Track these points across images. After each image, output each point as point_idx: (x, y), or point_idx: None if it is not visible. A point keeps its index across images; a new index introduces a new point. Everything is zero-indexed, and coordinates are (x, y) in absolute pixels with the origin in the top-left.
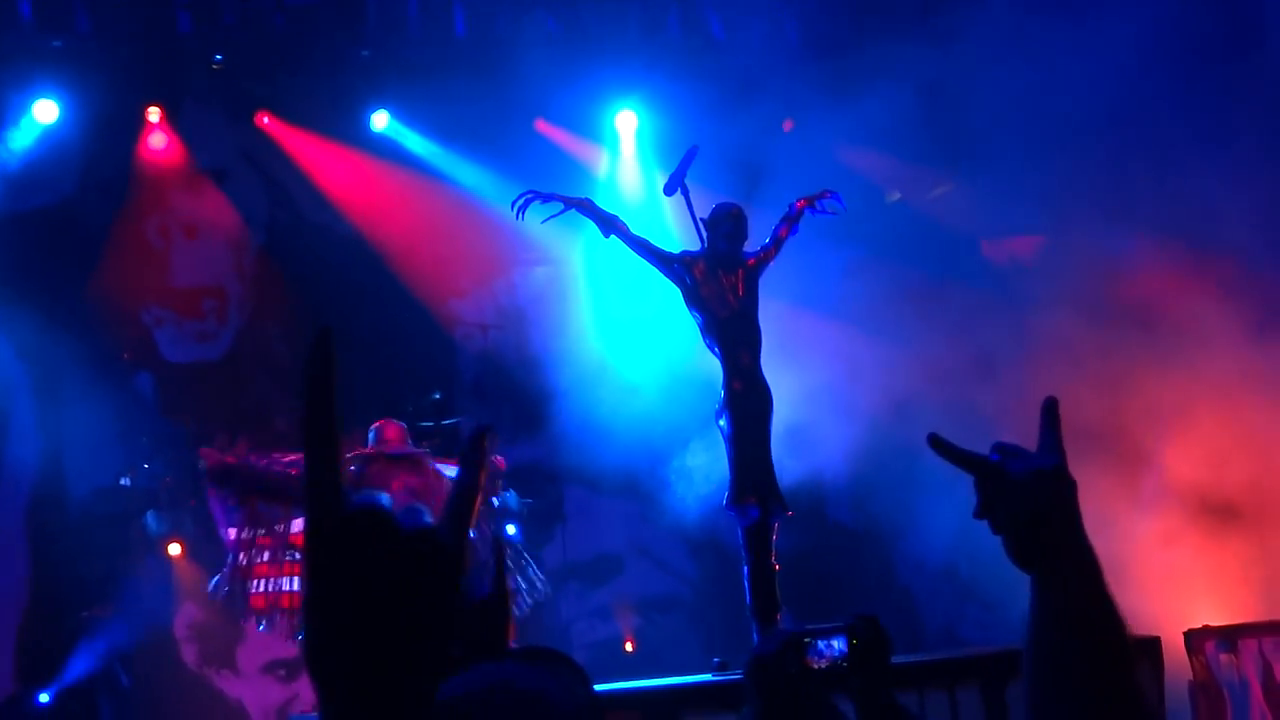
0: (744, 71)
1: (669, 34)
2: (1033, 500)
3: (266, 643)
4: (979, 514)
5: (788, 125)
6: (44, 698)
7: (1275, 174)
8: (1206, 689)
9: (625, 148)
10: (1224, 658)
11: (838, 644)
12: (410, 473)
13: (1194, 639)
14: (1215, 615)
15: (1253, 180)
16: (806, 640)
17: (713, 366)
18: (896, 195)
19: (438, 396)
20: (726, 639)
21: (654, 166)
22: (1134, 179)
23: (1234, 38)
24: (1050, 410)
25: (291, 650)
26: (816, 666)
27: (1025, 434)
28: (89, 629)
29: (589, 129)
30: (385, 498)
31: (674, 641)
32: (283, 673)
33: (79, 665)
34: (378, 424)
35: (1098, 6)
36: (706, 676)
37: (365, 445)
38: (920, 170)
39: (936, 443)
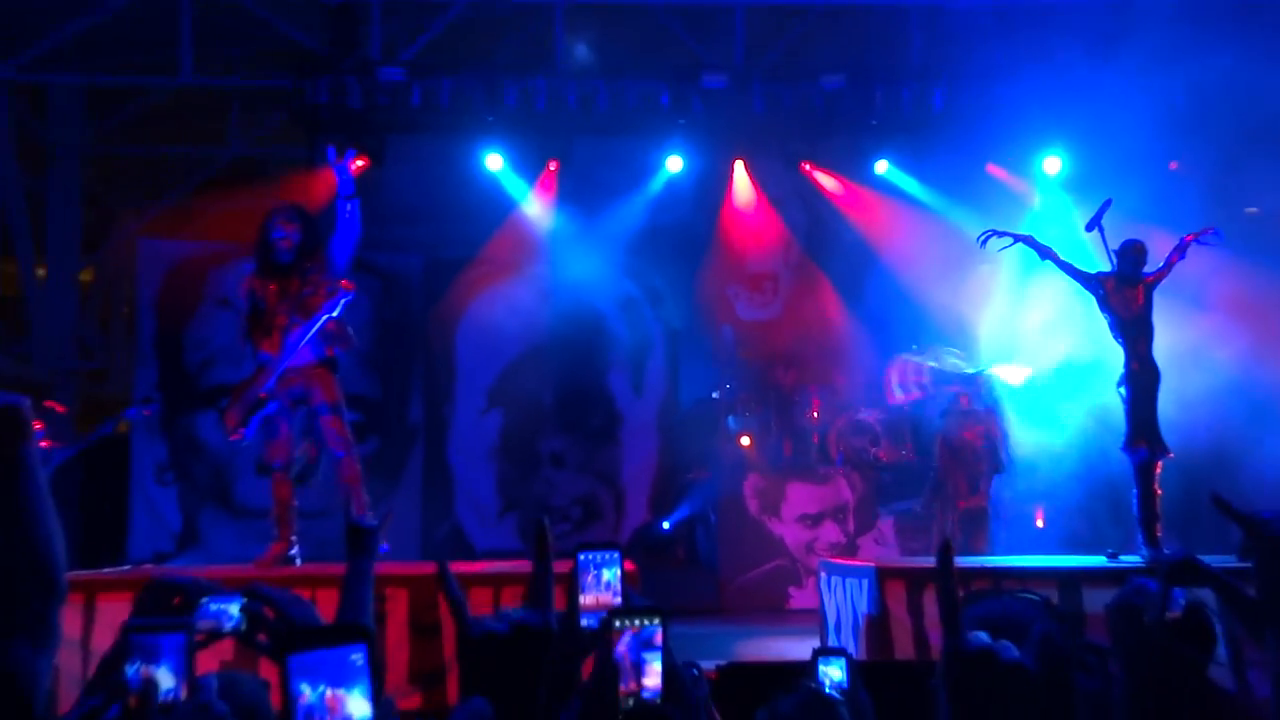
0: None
1: (1086, 97)
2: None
3: (802, 501)
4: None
5: (1173, 165)
6: (665, 525)
7: None
8: None
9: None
10: None
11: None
12: None
13: None
14: None
15: None
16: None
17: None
18: (1254, 210)
19: None
20: (1115, 535)
21: (1072, 203)
22: None
23: None
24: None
25: (813, 505)
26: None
27: None
28: (693, 485)
29: (1025, 169)
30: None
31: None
32: (809, 522)
33: (686, 507)
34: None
35: None
36: (1102, 560)
37: None
38: None
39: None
